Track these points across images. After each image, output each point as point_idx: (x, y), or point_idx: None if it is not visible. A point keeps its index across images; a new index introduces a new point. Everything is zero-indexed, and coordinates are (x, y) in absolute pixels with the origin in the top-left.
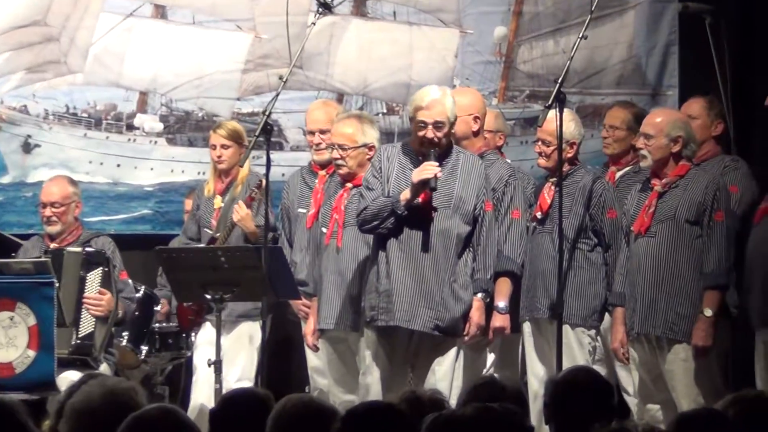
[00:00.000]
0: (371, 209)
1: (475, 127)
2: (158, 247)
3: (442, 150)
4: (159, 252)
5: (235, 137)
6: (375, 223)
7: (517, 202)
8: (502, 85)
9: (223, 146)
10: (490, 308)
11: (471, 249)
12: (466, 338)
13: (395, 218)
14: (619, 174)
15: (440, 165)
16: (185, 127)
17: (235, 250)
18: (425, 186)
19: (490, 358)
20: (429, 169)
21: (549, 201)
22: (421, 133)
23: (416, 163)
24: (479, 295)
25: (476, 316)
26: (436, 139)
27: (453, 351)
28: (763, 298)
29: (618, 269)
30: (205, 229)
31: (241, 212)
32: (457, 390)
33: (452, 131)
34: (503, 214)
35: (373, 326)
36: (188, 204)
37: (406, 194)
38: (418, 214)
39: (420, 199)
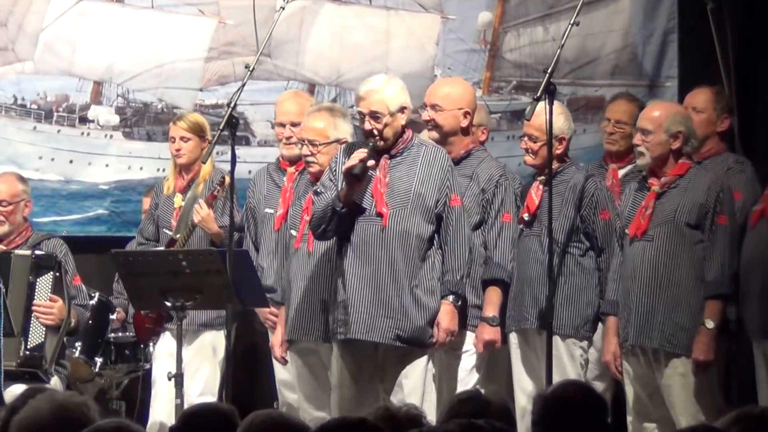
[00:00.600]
0: (316, 214)
1: (464, 123)
2: (114, 251)
3: (388, 143)
4: (115, 255)
5: (197, 130)
6: (322, 226)
7: (507, 204)
8: (486, 75)
9: (182, 139)
10: (464, 312)
11: (440, 250)
12: (436, 346)
13: (338, 218)
14: (622, 172)
15: (393, 158)
16: (143, 120)
17: (197, 254)
18: (353, 175)
19: (475, 377)
20: (354, 156)
21: (537, 201)
22: (363, 125)
23: (375, 163)
24: (449, 298)
25: (445, 320)
26: (375, 131)
27: (421, 362)
28: (760, 306)
29: (611, 275)
30: (164, 230)
31: (201, 212)
32: (432, 404)
33: (401, 123)
34: (493, 218)
35: (336, 340)
36: (146, 203)
37: (342, 190)
38: (361, 214)
39: (374, 198)
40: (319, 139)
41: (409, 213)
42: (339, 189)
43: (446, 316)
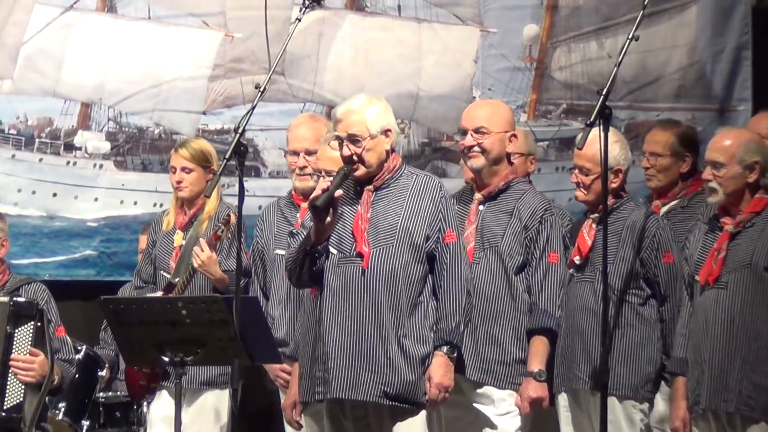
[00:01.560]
0: (291, 254)
1: (510, 149)
2: (103, 297)
3: (370, 171)
4: (104, 302)
5: (201, 159)
6: (297, 271)
7: (554, 243)
8: (532, 97)
9: (184, 169)
10: (461, 364)
11: (434, 295)
12: (428, 404)
13: (309, 259)
14: (664, 209)
15: (378, 190)
16: (138, 148)
17: (199, 301)
18: (314, 207)
19: None
20: (318, 186)
21: (589, 242)
22: (340, 152)
23: (358, 196)
24: (443, 348)
25: (437, 374)
26: (355, 157)
27: (418, 420)
28: None
29: (679, 329)
30: (163, 273)
31: (201, 256)
32: None
33: (385, 149)
34: (538, 258)
35: (317, 400)
36: (143, 241)
37: (312, 227)
38: (348, 253)
39: (354, 236)
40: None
41: (395, 252)
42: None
43: (438, 369)
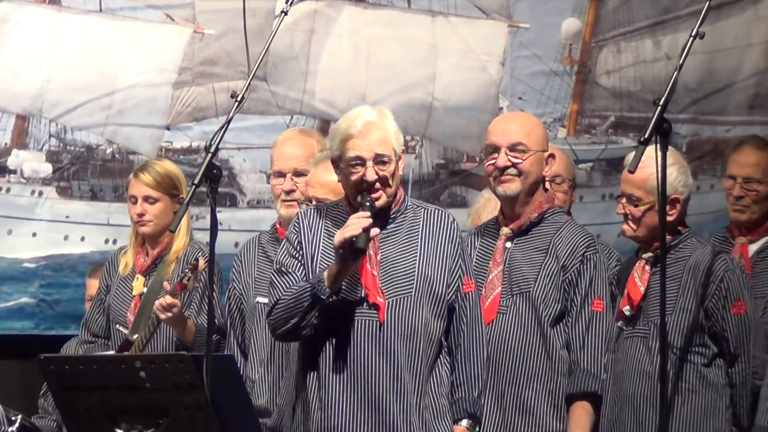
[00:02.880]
0: (284, 302)
1: (547, 172)
2: (43, 355)
3: (387, 201)
4: (44, 362)
5: (168, 186)
6: (293, 322)
7: (599, 287)
8: (573, 108)
9: (147, 199)
10: None
11: (449, 356)
12: None
13: (320, 309)
14: (754, 247)
15: (385, 226)
16: (86, 171)
17: (162, 360)
18: (356, 250)
19: None
20: (354, 223)
21: (642, 289)
22: (356, 176)
23: None
24: (463, 423)
25: None
26: (378, 184)
27: None
28: None
29: (764, 391)
30: (118, 327)
31: (163, 313)
32: None
33: (397, 174)
34: (578, 307)
35: None
36: (92, 286)
37: (331, 270)
38: (356, 303)
39: (363, 283)
40: (333, 198)
41: (414, 303)
42: (317, 268)
43: None
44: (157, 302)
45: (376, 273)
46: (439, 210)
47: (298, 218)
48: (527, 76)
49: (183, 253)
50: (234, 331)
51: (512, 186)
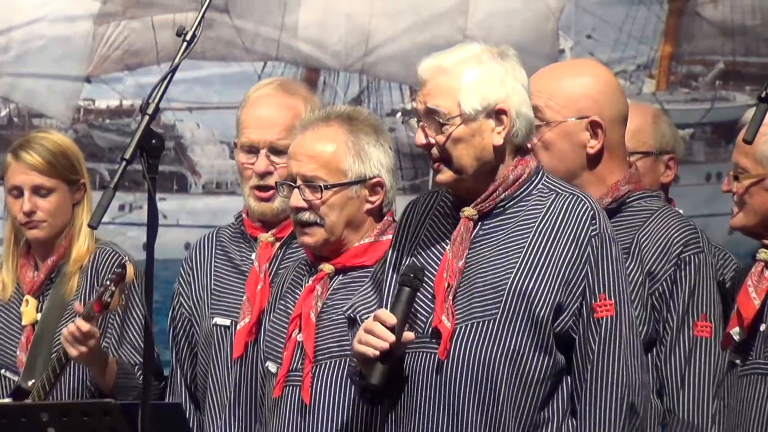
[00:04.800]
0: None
1: (592, 145)
2: None
3: (460, 182)
4: None
5: (63, 168)
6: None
7: (704, 303)
8: (666, 50)
9: (38, 190)
10: None
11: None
12: None
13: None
14: None
15: (485, 220)
16: None
17: (79, 411)
18: (375, 389)
19: None
20: (371, 338)
21: (758, 303)
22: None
23: (450, 223)
24: None
25: None
26: (437, 152)
27: None
28: None
29: None
30: (4, 372)
31: (78, 342)
32: None
33: (493, 143)
34: (673, 330)
35: None
36: None
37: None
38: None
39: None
40: (326, 176)
41: (498, 331)
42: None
43: None
44: (65, 331)
45: (451, 284)
46: (574, 196)
47: (394, 236)
48: (599, 5)
49: (88, 260)
50: (181, 367)
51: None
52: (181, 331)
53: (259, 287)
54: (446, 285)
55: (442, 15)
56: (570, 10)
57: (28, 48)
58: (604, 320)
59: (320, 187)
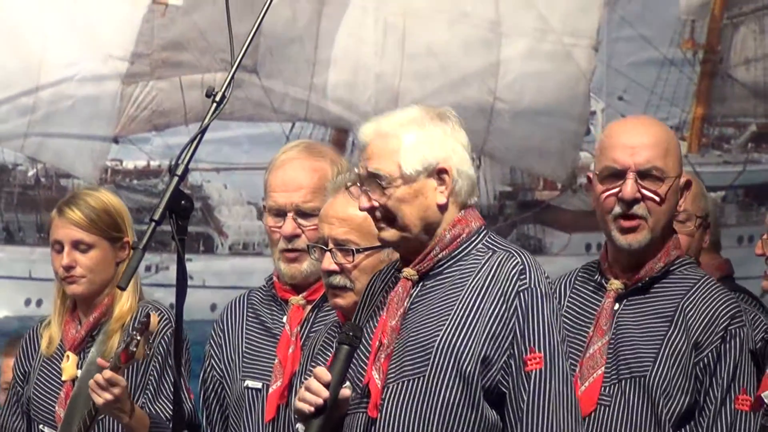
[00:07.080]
0: None
1: (680, 205)
2: None
3: (404, 240)
4: None
5: (105, 225)
6: None
7: (745, 377)
8: (697, 112)
9: (77, 245)
10: None
11: None
12: None
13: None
14: None
15: (425, 280)
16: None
17: None
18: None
19: None
20: (308, 394)
21: None
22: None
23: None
24: None
25: None
26: (380, 214)
27: None
28: None
29: None
30: (44, 429)
31: (103, 389)
32: None
33: (436, 202)
34: (716, 402)
35: None
36: (8, 369)
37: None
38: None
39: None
40: (358, 239)
41: (426, 390)
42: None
43: None
44: (91, 381)
45: (383, 342)
46: (509, 253)
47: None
48: (631, 67)
49: (130, 318)
50: (212, 430)
51: (641, 236)
52: (213, 394)
53: (290, 350)
54: (377, 344)
55: (472, 76)
56: (601, 71)
57: (56, 108)
58: (533, 373)
59: (352, 250)
